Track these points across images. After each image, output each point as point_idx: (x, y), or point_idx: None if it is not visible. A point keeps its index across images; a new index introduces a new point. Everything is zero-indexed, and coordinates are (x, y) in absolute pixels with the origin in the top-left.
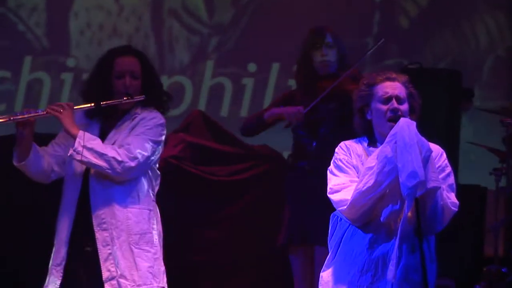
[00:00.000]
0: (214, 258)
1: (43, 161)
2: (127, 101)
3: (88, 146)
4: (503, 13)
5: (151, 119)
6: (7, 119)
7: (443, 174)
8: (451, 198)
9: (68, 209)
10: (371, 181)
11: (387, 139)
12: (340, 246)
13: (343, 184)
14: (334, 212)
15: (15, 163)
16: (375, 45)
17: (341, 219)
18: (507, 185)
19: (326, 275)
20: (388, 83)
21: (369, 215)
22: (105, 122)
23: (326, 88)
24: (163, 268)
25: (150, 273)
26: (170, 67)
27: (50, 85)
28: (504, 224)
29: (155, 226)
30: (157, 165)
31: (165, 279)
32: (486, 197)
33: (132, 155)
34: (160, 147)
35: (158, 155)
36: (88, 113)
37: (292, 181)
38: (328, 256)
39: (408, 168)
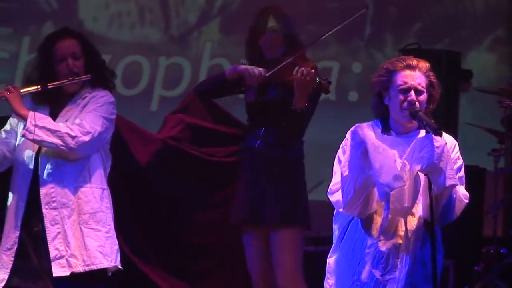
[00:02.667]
0: (214, 239)
1: None
2: (74, 81)
3: (40, 125)
4: None
5: (102, 96)
6: None
7: (455, 167)
8: (462, 191)
9: (20, 193)
10: (351, 191)
11: (352, 146)
12: (347, 233)
13: (339, 184)
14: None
15: None
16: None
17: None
18: (506, 166)
19: (333, 262)
20: (408, 72)
21: (366, 211)
22: (54, 107)
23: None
24: (116, 246)
25: (100, 252)
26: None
27: None
28: (502, 205)
29: (108, 205)
30: (109, 146)
31: (118, 258)
32: (484, 178)
33: (85, 130)
34: (111, 125)
35: (110, 134)
36: (35, 98)
37: (244, 160)
38: (334, 240)
39: (391, 170)
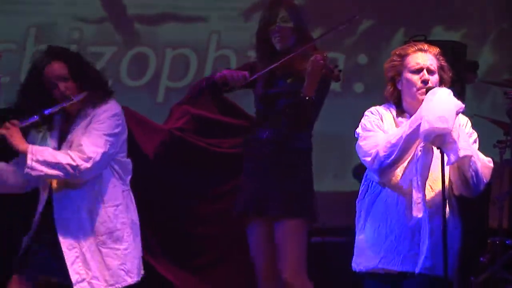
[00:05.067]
0: (219, 229)
1: (11, 176)
2: (69, 103)
3: (40, 160)
4: None
5: (103, 112)
6: None
7: (472, 139)
8: (483, 157)
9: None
10: (400, 134)
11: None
12: (372, 210)
13: (373, 135)
14: (366, 173)
15: None
16: (346, 22)
17: (372, 181)
18: (511, 158)
19: (359, 242)
20: (420, 54)
21: (388, 170)
22: (63, 130)
23: (282, 63)
24: (137, 260)
25: (122, 270)
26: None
27: None
28: (508, 197)
29: (124, 220)
30: (125, 153)
31: (141, 271)
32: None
33: (85, 156)
34: (118, 138)
35: (118, 147)
36: (41, 126)
37: (251, 151)
38: (358, 219)
39: (438, 112)
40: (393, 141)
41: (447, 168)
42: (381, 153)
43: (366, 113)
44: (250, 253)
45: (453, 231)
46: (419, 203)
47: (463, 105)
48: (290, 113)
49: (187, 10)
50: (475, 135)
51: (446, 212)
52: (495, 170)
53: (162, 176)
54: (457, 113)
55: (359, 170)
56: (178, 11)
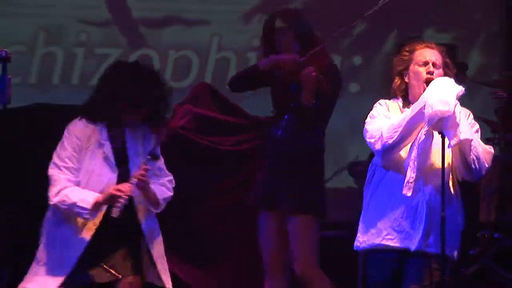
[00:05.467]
0: (223, 225)
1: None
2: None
3: None
4: None
5: None
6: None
7: (474, 129)
8: (484, 145)
9: None
10: (403, 117)
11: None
12: (377, 192)
13: (380, 119)
14: (372, 160)
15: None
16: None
17: (377, 166)
18: (500, 154)
19: (363, 221)
20: (427, 50)
21: (391, 151)
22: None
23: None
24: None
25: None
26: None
27: None
28: (496, 192)
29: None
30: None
31: None
32: None
33: None
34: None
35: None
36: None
37: (267, 148)
38: (364, 201)
39: (440, 95)
40: (396, 124)
41: (450, 154)
42: (384, 135)
43: (375, 104)
44: (259, 245)
45: (456, 215)
46: (411, 182)
47: (463, 89)
48: (294, 117)
49: (189, 13)
50: (477, 126)
51: (452, 195)
52: None
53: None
54: (458, 96)
55: (354, 168)
56: (181, 14)
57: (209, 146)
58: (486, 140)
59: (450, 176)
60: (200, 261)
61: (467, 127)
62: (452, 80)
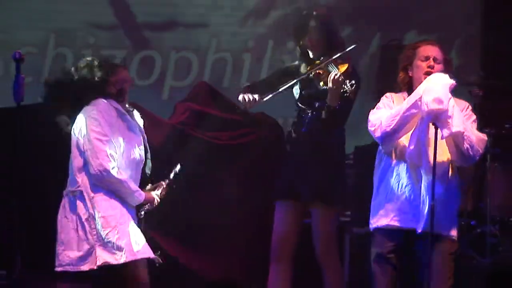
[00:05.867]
0: (218, 217)
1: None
2: None
3: None
4: None
5: None
6: None
7: (470, 120)
8: (478, 133)
9: None
10: (400, 108)
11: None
12: (385, 178)
13: (382, 110)
14: (378, 148)
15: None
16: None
17: (384, 155)
18: None
19: (375, 204)
20: (429, 46)
21: (389, 138)
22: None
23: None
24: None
25: None
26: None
27: None
28: (473, 182)
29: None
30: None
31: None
32: None
33: None
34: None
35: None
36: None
37: (292, 144)
38: (374, 187)
39: (434, 93)
40: (394, 113)
41: (443, 144)
42: (383, 124)
43: (382, 97)
44: (274, 226)
45: (454, 190)
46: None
47: (454, 82)
48: (317, 115)
49: (189, 17)
50: (473, 117)
51: (449, 175)
52: None
53: (166, 166)
54: (450, 89)
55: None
56: (181, 18)
57: (207, 140)
58: None
59: (450, 164)
60: (200, 247)
61: (460, 119)
62: (446, 76)
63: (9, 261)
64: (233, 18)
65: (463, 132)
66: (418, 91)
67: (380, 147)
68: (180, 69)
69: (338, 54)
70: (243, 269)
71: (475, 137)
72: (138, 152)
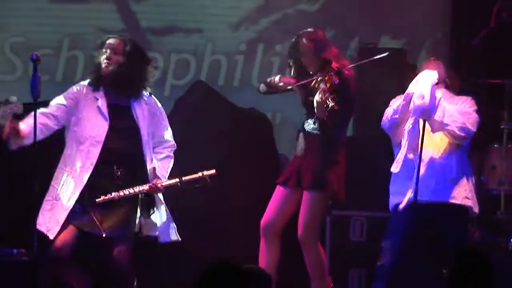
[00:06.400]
0: (223, 200)
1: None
2: None
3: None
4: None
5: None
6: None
7: (467, 107)
8: (462, 124)
9: None
10: (398, 103)
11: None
12: (402, 166)
13: (391, 107)
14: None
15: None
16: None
17: (398, 148)
18: None
19: (392, 188)
20: (432, 65)
21: (393, 127)
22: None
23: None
24: None
25: None
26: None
27: None
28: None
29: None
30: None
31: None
32: None
33: None
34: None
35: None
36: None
37: (299, 139)
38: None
39: (418, 90)
40: (395, 108)
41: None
42: (388, 117)
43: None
44: (266, 210)
45: (448, 162)
46: (398, 162)
47: (436, 75)
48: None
49: (187, 23)
50: (474, 106)
51: (454, 159)
52: None
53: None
54: (433, 83)
55: None
56: (180, 24)
57: (207, 133)
58: None
59: (447, 144)
60: (203, 225)
61: (445, 111)
62: (433, 72)
63: (28, 240)
64: (226, 24)
65: (447, 125)
66: (409, 88)
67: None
68: (179, 70)
69: (366, 60)
70: (241, 248)
71: (467, 119)
72: (96, 132)
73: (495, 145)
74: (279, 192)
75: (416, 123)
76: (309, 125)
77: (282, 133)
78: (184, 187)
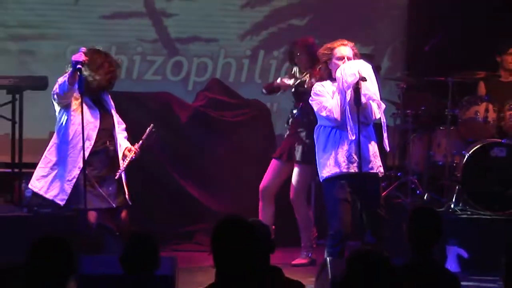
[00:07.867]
0: (227, 170)
1: None
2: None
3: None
4: (401, 13)
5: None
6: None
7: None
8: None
9: None
10: (338, 97)
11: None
12: (327, 144)
13: (322, 100)
14: (317, 125)
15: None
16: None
17: (323, 127)
18: (400, 123)
19: (322, 161)
20: (342, 47)
21: (337, 115)
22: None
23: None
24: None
25: None
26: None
27: None
28: (398, 146)
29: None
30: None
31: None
32: (388, 130)
33: None
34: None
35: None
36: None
37: (292, 123)
38: (316, 151)
39: (350, 70)
40: (338, 102)
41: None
42: (336, 110)
43: (315, 85)
44: (263, 177)
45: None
46: (351, 130)
47: (356, 65)
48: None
49: (206, 34)
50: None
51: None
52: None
53: (191, 136)
54: (359, 69)
55: None
56: (201, 35)
57: (218, 118)
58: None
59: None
60: (211, 189)
61: (370, 91)
62: (355, 62)
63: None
64: (236, 35)
65: (374, 100)
66: (339, 79)
67: (319, 123)
68: (200, 70)
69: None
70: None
71: (376, 104)
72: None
73: (441, 128)
74: (274, 164)
75: (345, 97)
76: (296, 110)
77: (278, 118)
78: (145, 144)
